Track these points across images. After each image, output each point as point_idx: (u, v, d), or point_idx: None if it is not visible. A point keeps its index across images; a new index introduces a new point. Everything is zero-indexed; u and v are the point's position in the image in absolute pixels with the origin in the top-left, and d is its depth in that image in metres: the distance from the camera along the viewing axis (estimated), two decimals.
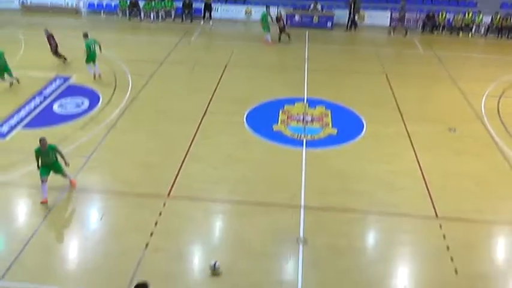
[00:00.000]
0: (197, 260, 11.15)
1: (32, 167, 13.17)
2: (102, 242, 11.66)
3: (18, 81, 19.83)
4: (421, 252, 11.41)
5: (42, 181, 12.70)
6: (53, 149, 12.90)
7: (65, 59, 22.29)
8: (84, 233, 12.04)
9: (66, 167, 13.08)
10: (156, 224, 12.01)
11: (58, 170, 13.06)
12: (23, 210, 13.04)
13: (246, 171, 14.26)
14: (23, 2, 32.52)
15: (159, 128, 16.63)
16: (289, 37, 26.66)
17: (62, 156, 13.04)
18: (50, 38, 22.20)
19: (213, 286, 10.20)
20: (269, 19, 26.63)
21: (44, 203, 12.60)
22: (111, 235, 11.87)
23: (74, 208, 12.90)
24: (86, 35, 20.69)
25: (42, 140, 12.68)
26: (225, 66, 22.35)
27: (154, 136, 16.06)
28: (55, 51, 22.21)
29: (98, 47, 20.63)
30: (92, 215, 12.73)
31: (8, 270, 10.66)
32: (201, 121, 17.11)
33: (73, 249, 11.62)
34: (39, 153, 12.78)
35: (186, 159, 14.81)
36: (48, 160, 12.86)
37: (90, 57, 20.49)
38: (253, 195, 13.15)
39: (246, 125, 16.96)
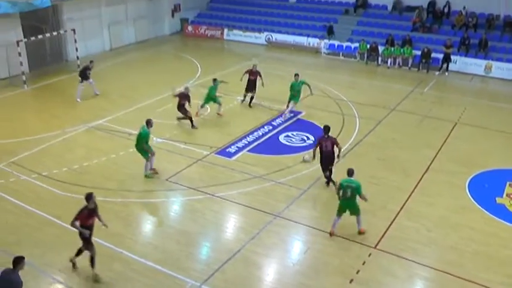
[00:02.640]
0: None
1: (248, 188, 14.47)
2: (302, 274, 12.18)
3: (219, 113, 21.55)
4: None
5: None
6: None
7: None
8: (285, 262, 12.72)
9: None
10: (357, 272, 12.17)
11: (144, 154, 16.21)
12: (234, 224, 14.39)
13: (459, 240, 13.58)
14: (268, 38, 35.78)
15: (378, 176, 16.75)
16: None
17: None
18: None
19: None
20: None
21: None
22: (311, 270, 12.32)
23: (281, 234, 13.63)
24: (296, 75, 21.69)
25: (149, 121, 15.91)
26: (455, 123, 21.57)
27: (372, 183, 16.12)
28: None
29: (308, 86, 21.53)
30: (297, 246, 13.44)
31: (211, 276, 11.86)
32: (422, 177, 16.82)
33: (272, 273, 12.37)
34: (147, 134, 15.89)
35: (400, 213, 14.69)
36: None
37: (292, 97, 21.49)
38: (462, 269, 12.42)
39: (467, 190, 16.15)
